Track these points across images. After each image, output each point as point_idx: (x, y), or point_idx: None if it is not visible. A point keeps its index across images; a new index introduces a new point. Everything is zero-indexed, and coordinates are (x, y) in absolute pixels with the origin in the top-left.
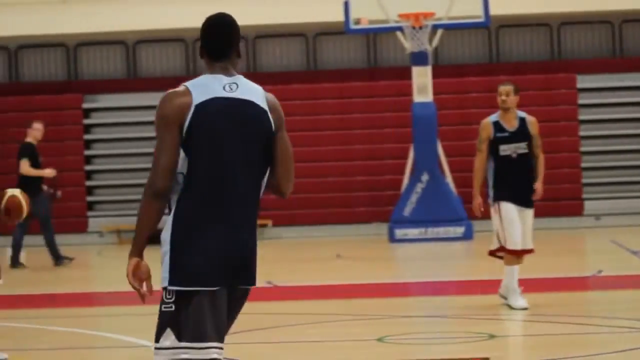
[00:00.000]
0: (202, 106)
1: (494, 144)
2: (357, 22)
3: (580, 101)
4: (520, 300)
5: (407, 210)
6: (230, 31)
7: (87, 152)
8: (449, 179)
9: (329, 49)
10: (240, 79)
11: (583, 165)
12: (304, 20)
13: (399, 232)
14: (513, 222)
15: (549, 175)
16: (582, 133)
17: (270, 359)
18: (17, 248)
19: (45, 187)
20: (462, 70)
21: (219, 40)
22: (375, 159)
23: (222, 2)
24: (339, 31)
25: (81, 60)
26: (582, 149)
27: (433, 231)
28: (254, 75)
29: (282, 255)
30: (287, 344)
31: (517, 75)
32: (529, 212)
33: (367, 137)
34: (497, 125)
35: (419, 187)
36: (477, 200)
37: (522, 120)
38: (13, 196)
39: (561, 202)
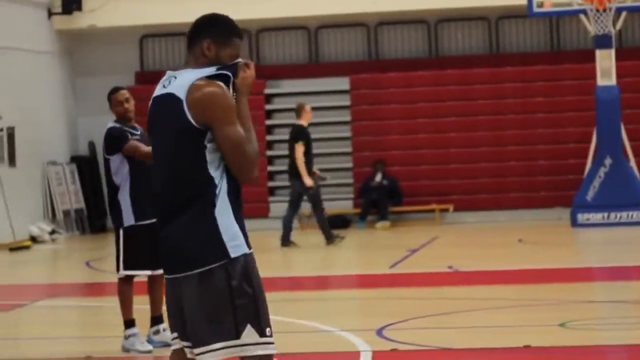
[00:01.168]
0: (149, 108)
1: None
2: (540, 5)
3: None
4: None
5: (589, 195)
6: (192, 28)
7: (269, 138)
8: (632, 163)
9: (512, 32)
10: (185, 72)
11: None
12: (487, 4)
13: (582, 217)
14: None
15: None
16: None
17: (451, 343)
18: (288, 227)
19: (316, 170)
20: None
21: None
22: (557, 143)
23: None
24: (522, 14)
25: (263, 46)
26: None
27: (616, 216)
28: (435, 59)
29: (463, 240)
30: (469, 329)
31: None
32: None
33: (549, 121)
34: None
35: (602, 172)
36: None
37: None
38: None
39: None
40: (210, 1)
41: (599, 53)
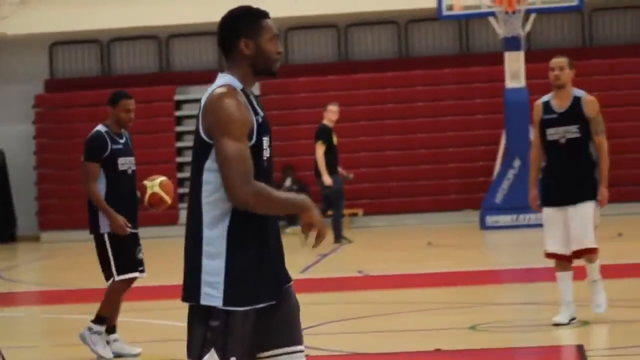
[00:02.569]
0: None
1: (541, 128)
2: (450, 8)
3: None
4: (560, 317)
5: (498, 197)
6: (221, 35)
7: (178, 144)
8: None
9: (421, 35)
10: (218, 79)
11: None
12: (396, 7)
13: (490, 219)
14: (550, 225)
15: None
16: None
17: (363, 348)
18: (337, 225)
19: (340, 169)
20: (555, 55)
21: None
22: (467, 146)
23: None
24: (432, 17)
25: (173, 52)
26: None
27: (525, 218)
28: (346, 64)
29: (372, 244)
30: (379, 333)
31: (610, 58)
32: (579, 208)
33: (459, 123)
34: (546, 106)
35: (511, 174)
36: (532, 192)
37: (577, 100)
38: (153, 194)
39: None
40: (118, 8)
41: (507, 55)
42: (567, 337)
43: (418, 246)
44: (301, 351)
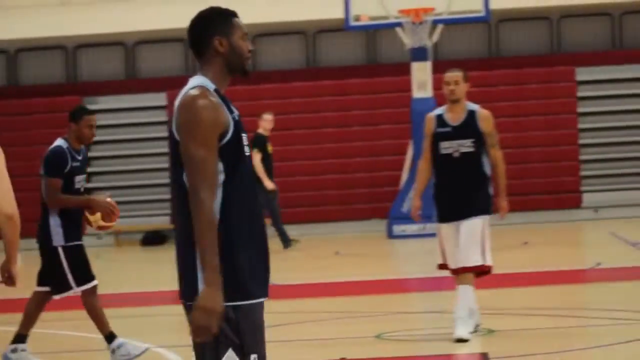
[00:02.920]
0: None
1: (434, 141)
2: (357, 18)
3: (579, 94)
4: (459, 330)
5: (405, 206)
6: (192, 36)
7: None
8: None
9: (329, 46)
10: (190, 81)
11: (582, 157)
12: (303, 18)
13: (398, 228)
14: (442, 240)
15: (548, 169)
16: (580, 126)
17: (270, 357)
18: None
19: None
20: (462, 65)
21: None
22: (374, 156)
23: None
24: (339, 28)
25: (80, 63)
26: (581, 141)
27: (432, 227)
28: (253, 74)
29: (280, 253)
30: (286, 343)
31: (516, 69)
32: (468, 225)
33: (366, 133)
34: (439, 120)
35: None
36: (415, 203)
37: (471, 114)
38: (101, 227)
39: (560, 195)
40: (26, 17)
41: (414, 66)
42: (472, 346)
43: (326, 255)
44: None
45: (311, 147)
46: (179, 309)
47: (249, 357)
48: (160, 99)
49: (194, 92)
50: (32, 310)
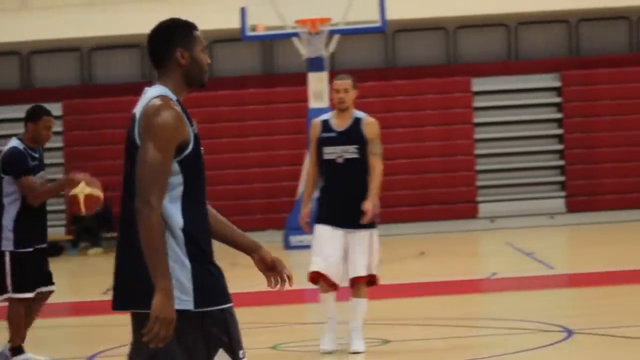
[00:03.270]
0: None
1: (319, 146)
2: (254, 29)
3: (475, 104)
4: (326, 343)
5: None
6: (154, 46)
7: None
8: None
9: (225, 56)
10: (149, 90)
11: (478, 168)
12: (200, 28)
13: (294, 239)
14: (320, 243)
15: (445, 179)
16: (476, 136)
17: None
18: None
19: None
20: (359, 75)
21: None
22: (271, 166)
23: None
24: (235, 38)
25: (35, 68)
26: (477, 151)
27: None
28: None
29: None
30: None
31: (413, 79)
32: (360, 235)
33: (263, 144)
34: (324, 125)
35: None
36: (304, 211)
37: (357, 121)
38: (88, 196)
39: (456, 205)
40: None
41: (311, 76)
42: (368, 356)
43: (222, 266)
44: None
45: (207, 157)
46: (68, 320)
47: (238, 353)
48: (55, 109)
49: (159, 100)
50: (26, 317)
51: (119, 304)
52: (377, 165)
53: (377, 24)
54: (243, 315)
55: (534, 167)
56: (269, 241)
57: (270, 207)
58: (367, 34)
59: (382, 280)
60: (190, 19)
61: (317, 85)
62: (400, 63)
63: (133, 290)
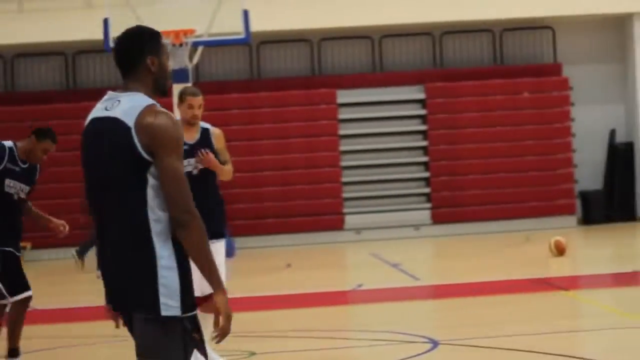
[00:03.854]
0: (84, 130)
1: None
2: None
3: (340, 116)
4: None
5: None
6: (126, 51)
7: None
8: None
9: (88, 67)
10: (132, 96)
11: (343, 180)
12: (60, 39)
13: None
14: None
15: (310, 191)
16: (342, 148)
17: None
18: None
19: None
20: (224, 87)
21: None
22: None
23: None
24: (99, 49)
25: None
26: (343, 163)
27: None
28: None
29: (39, 277)
30: None
31: (278, 91)
32: (218, 245)
33: None
34: None
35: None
36: None
37: (205, 132)
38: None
39: (322, 217)
40: None
41: (176, 87)
42: None
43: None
44: None
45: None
46: None
47: (205, 348)
48: None
49: (159, 109)
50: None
51: (121, 306)
52: (230, 168)
53: (241, 36)
54: (103, 328)
55: (400, 179)
56: None
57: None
58: (231, 45)
59: (249, 293)
60: (51, 30)
61: None
62: (265, 75)
63: (129, 293)
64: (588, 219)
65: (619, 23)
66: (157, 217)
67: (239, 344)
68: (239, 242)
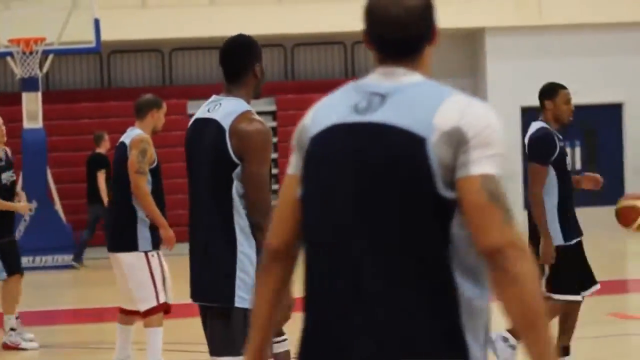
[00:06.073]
0: (188, 129)
1: None
2: None
3: None
4: None
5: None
6: (222, 54)
7: None
8: (58, 206)
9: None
10: (227, 100)
11: None
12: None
13: None
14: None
15: (167, 201)
16: None
17: None
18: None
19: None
20: (74, 96)
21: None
22: None
23: None
24: None
25: None
26: None
27: (42, 259)
28: None
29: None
30: None
31: (130, 100)
32: (119, 258)
33: None
34: None
35: (27, 215)
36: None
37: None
38: None
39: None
40: None
41: (25, 96)
42: None
43: None
44: None
45: None
46: None
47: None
48: None
49: (255, 116)
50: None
51: (200, 297)
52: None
53: (92, 45)
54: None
55: None
56: None
57: None
58: (82, 54)
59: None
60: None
61: (31, 105)
62: (115, 84)
63: (211, 286)
64: None
65: (470, 37)
66: (240, 216)
67: (95, 356)
68: None
